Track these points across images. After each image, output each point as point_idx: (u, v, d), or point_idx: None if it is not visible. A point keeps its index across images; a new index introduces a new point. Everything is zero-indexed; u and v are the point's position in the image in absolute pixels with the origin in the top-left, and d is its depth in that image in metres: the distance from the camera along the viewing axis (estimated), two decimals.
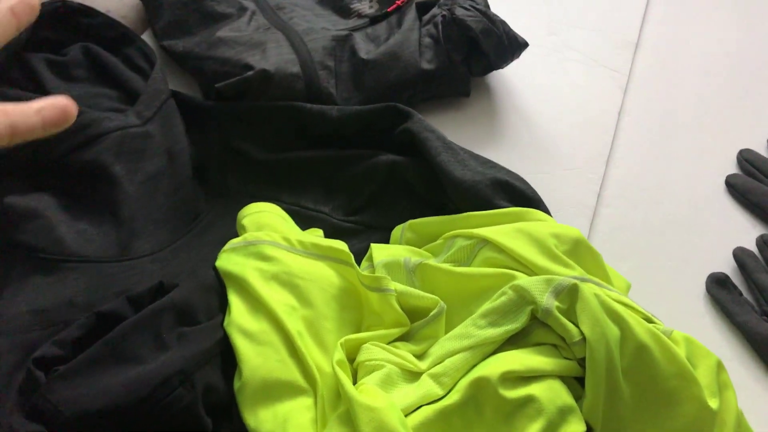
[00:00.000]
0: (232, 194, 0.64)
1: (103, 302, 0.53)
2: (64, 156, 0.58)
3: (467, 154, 0.60)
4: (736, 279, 0.62)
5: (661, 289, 0.62)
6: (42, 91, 0.63)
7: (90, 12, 0.70)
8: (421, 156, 0.61)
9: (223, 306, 0.51)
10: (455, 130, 0.69)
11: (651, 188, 0.69)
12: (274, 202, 0.62)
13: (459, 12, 0.67)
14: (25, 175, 0.59)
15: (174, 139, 0.63)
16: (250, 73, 0.64)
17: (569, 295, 0.48)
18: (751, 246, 0.63)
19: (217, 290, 0.52)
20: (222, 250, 0.53)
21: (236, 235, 0.59)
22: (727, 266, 0.63)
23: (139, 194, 0.59)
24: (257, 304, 0.50)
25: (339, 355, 0.48)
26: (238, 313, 0.49)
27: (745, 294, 0.61)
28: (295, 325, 0.48)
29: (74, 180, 0.59)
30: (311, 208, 0.62)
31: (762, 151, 0.71)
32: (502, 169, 0.60)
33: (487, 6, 0.71)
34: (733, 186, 0.68)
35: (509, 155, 0.69)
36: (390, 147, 0.63)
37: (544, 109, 0.73)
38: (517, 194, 0.58)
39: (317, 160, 0.64)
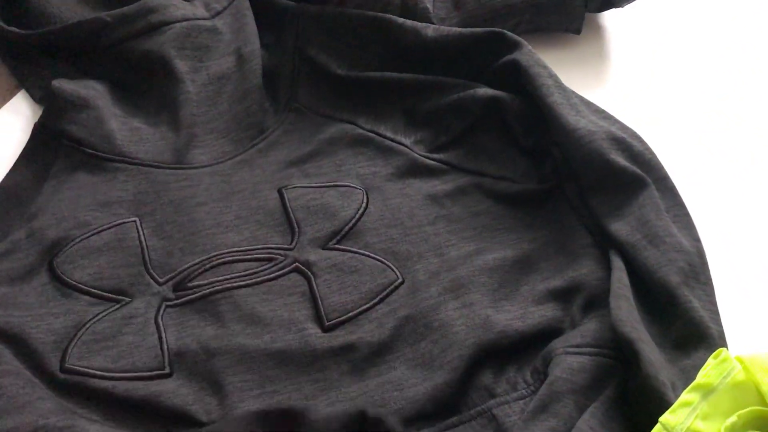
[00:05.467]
0: (302, 111, 0.57)
1: (150, 212, 0.48)
2: (122, 42, 0.55)
3: (578, 99, 0.53)
4: None
5: None
6: None
7: None
8: (525, 94, 0.53)
9: None
10: (560, 71, 0.61)
11: None
12: (348, 126, 0.55)
13: None
14: (76, 58, 0.56)
15: (245, 39, 0.58)
16: None
17: None
18: None
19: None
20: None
21: (303, 158, 0.54)
22: None
23: (201, 97, 0.56)
24: None
25: None
26: None
27: None
28: None
29: (131, 71, 0.57)
30: (389, 137, 0.56)
31: None
32: (617, 122, 0.53)
33: None
34: None
35: (618, 107, 0.60)
36: (484, 82, 0.56)
37: (662, 58, 0.64)
38: (633, 154, 0.50)
39: (403, 84, 0.57)
